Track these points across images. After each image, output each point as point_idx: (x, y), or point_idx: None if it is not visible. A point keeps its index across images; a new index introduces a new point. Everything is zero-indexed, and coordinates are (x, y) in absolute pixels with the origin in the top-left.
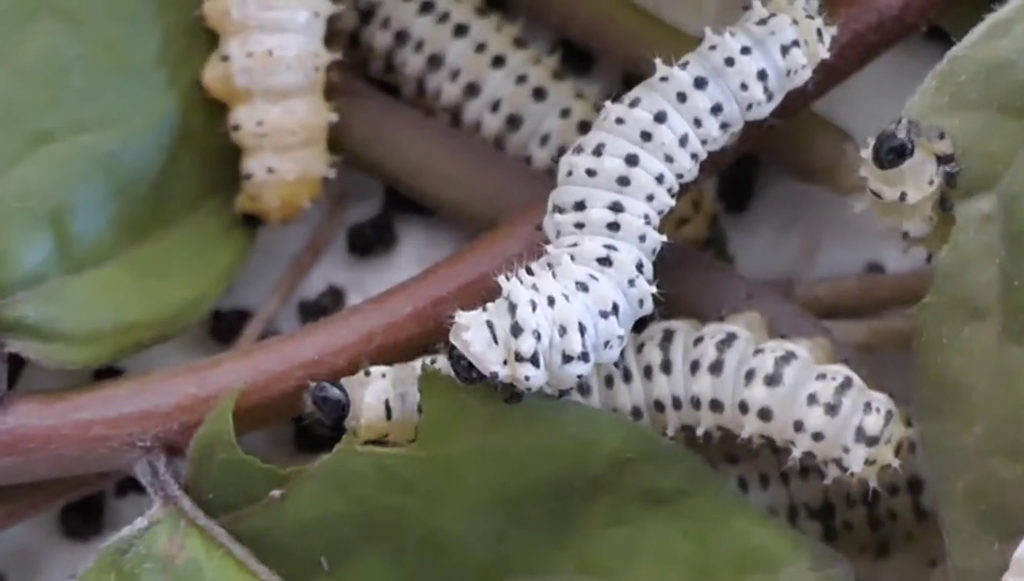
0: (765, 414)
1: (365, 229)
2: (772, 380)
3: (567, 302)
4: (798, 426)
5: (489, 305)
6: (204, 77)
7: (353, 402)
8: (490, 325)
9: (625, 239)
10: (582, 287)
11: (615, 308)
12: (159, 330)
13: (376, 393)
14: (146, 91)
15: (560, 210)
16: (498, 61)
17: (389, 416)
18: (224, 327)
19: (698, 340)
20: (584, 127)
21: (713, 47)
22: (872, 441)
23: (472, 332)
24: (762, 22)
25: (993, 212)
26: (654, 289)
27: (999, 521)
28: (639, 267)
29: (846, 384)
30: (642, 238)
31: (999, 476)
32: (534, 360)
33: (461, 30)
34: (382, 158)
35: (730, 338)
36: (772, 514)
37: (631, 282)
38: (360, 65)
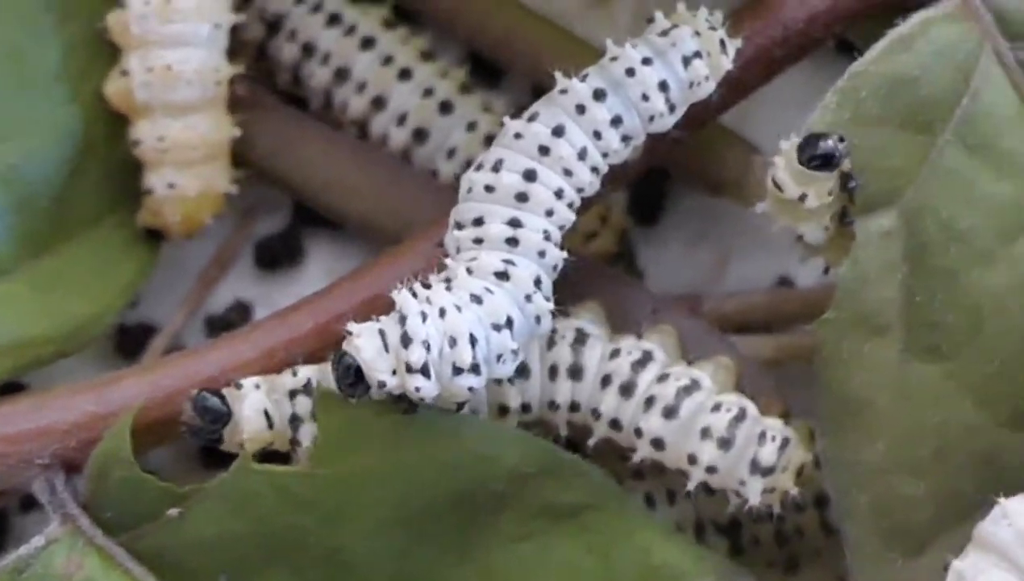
0: (658, 444)
1: (272, 243)
2: (670, 412)
3: (458, 313)
4: (692, 459)
5: (383, 317)
6: (106, 90)
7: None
8: (382, 334)
9: (524, 254)
10: (476, 299)
11: (509, 322)
12: (59, 345)
13: (253, 404)
14: (47, 103)
15: (460, 226)
16: (404, 74)
17: (271, 426)
18: (130, 342)
19: (614, 353)
20: (491, 141)
21: (614, 58)
22: (768, 472)
23: (363, 339)
24: (664, 33)
25: (894, 228)
26: (552, 305)
27: (902, 538)
28: (537, 283)
29: (740, 416)
30: (541, 254)
31: (902, 493)
32: (424, 371)
33: (368, 43)
34: (289, 171)
35: (645, 359)
36: (679, 530)
37: (528, 297)
38: (267, 77)
